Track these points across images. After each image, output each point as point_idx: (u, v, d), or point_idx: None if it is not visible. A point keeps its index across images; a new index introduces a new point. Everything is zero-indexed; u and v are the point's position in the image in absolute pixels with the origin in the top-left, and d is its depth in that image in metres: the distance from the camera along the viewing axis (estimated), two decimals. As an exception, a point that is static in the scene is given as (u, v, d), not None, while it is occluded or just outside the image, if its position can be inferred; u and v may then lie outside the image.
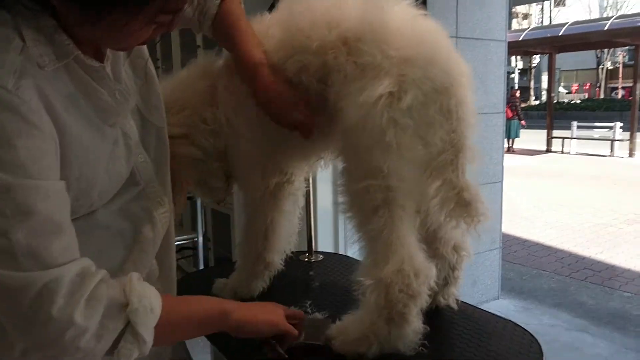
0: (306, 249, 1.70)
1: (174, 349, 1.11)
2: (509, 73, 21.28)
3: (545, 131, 13.32)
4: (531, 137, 14.26)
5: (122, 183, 0.88)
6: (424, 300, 0.97)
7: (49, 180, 0.69)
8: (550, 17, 28.46)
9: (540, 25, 25.26)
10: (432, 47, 0.95)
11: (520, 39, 12.91)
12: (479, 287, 3.65)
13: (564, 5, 29.62)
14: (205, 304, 0.87)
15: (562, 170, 10.12)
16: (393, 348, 0.97)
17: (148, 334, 0.73)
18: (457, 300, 1.22)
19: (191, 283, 1.54)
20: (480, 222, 0.98)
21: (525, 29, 14.39)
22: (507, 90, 15.97)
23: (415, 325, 0.97)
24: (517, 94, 13.45)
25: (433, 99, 0.92)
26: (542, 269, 4.49)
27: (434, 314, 1.19)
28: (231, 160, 1.18)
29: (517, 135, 13.03)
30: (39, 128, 0.68)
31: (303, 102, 1.05)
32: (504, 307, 3.62)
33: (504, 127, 3.78)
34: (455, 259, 1.16)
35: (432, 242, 1.12)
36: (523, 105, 22.58)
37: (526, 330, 1.12)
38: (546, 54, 14.23)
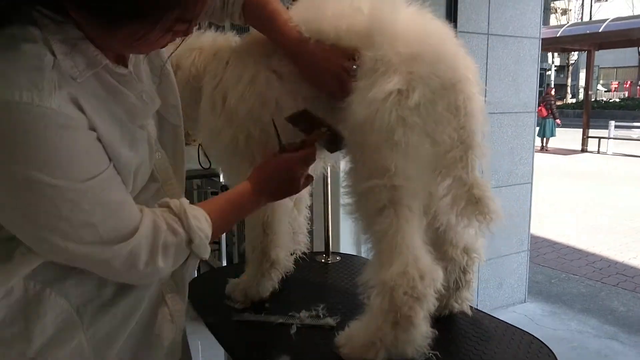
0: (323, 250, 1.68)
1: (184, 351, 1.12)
2: (545, 70, 20.71)
3: (581, 130, 12.94)
4: (567, 136, 13.89)
5: (146, 181, 0.92)
6: (430, 303, 0.96)
7: (106, 168, 0.77)
8: (590, 12, 27.56)
9: (579, 21, 24.50)
10: (438, 44, 0.95)
11: (557, 35, 12.51)
12: (505, 289, 3.57)
13: (605, 1, 28.62)
14: (241, 204, 1.00)
15: (597, 171, 9.83)
16: (401, 354, 0.96)
17: (206, 252, 0.91)
18: (471, 306, 1.19)
19: (212, 277, 1.55)
20: (493, 220, 0.96)
21: (563, 25, 13.96)
22: (543, 87, 15.62)
23: (423, 329, 0.96)
24: (552, 92, 13.10)
25: (441, 95, 0.92)
26: (572, 273, 4.37)
27: (447, 321, 1.16)
28: (216, 146, 1.20)
29: (552, 134, 12.70)
30: (83, 129, 0.75)
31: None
32: (530, 311, 3.54)
33: (535, 127, 3.68)
34: (466, 262, 1.13)
35: (441, 244, 1.10)
36: (559, 103, 22.01)
37: (544, 344, 1.08)
38: (584, 50, 13.79)
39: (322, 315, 1.21)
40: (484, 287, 3.46)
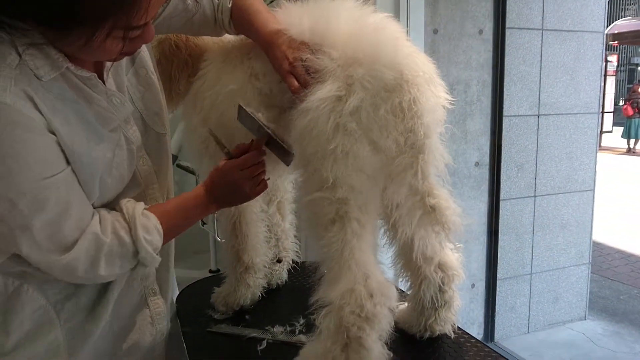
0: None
1: (167, 350, 1.13)
2: (637, 65, 19.11)
3: (675, 131, 11.80)
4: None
5: (124, 185, 0.95)
6: (384, 323, 0.89)
7: (55, 174, 0.79)
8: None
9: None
10: (376, 43, 0.89)
11: (647, 28, 11.55)
12: (562, 305, 3.31)
13: None
14: (194, 209, 1.00)
15: (691, 176, 8.91)
16: (355, 378, 0.89)
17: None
18: (454, 328, 1.09)
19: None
20: (451, 230, 0.89)
21: (655, 17, 12.83)
22: (632, 84, 14.33)
23: (377, 351, 0.89)
24: (639, 90, 12.04)
25: (383, 98, 0.86)
26: (646, 289, 3.98)
27: (425, 344, 1.07)
28: (190, 144, 1.20)
29: (637, 136, 11.69)
30: (37, 130, 0.77)
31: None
32: (590, 329, 3.25)
33: (598, 129, 3.39)
34: (442, 279, 1.03)
35: (414, 260, 1.01)
36: (652, 101, 20.21)
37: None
38: (680, 43, 12.62)
39: (297, 332, 1.16)
40: (536, 301, 3.23)
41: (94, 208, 0.89)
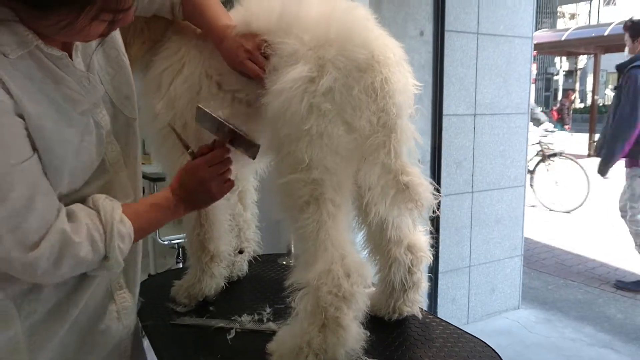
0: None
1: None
2: (552, 74, 20.47)
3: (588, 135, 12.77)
4: (574, 141, 13.71)
5: (92, 171, 0.91)
6: (360, 303, 0.90)
7: (21, 161, 0.74)
8: (598, 17, 27.27)
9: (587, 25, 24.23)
10: (347, 24, 0.91)
11: (562, 39, 12.38)
12: (498, 295, 3.48)
13: (615, 5, 28.31)
14: (165, 212, 0.97)
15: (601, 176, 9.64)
16: (332, 358, 0.89)
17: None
18: (422, 309, 1.12)
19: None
20: (424, 207, 0.90)
21: (569, 29, 13.81)
22: (550, 92, 15.36)
23: (354, 330, 0.90)
24: (572, 97, 12.98)
25: (356, 78, 0.87)
26: (570, 279, 4.26)
27: (394, 325, 1.10)
28: (150, 129, 1.16)
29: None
30: (4, 112, 0.73)
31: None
32: (523, 317, 3.43)
33: (528, 129, 3.59)
34: (411, 261, 1.06)
35: (383, 242, 1.03)
36: (566, 108, 21.72)
37: (494, 351, 1.00)
38: (591, 54, 13.64)
39: (265, 320, 1.15)
40: (475, 292, 3.37)
41: (64, 195, 0.85)
